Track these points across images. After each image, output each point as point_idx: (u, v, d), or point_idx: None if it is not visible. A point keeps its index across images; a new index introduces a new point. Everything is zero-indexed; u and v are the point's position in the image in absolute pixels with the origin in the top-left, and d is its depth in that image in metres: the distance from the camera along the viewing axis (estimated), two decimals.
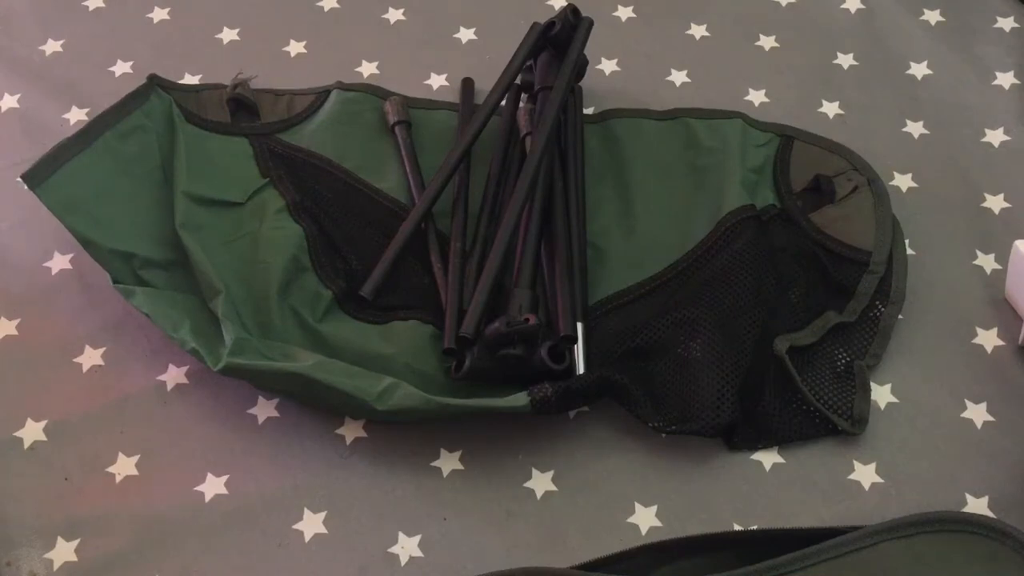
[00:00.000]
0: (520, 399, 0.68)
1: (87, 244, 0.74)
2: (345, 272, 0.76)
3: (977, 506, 0.66)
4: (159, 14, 0.95)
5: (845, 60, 0.90)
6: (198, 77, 0.90)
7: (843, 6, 0.94)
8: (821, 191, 0.80)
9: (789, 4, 0.94)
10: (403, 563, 0.66)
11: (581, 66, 0.85)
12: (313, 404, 0.72)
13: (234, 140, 0.83)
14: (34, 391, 0.73)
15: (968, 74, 0.89)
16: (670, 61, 0.90)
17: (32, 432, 0.71)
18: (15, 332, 0.76)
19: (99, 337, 0.75)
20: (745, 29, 0.93)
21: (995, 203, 0.81)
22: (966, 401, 0.71)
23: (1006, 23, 0.92)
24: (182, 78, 0.89)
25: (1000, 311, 0.75)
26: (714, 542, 0.63)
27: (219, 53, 0.92)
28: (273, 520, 0.67)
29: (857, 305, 0.74)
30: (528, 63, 0.84)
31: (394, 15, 0.95)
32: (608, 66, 0.90)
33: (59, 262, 0.79)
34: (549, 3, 0.95)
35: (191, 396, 0.73)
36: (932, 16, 0.93)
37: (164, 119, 0.83)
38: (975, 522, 0.60)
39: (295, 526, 0.67)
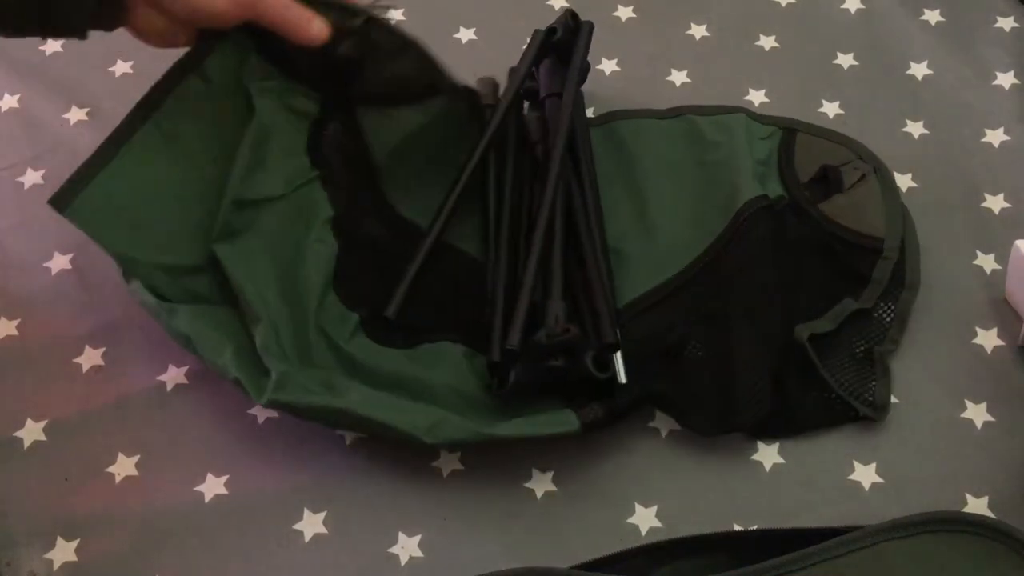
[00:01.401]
0: (570, 423, 0.67)
1: (127, 263, 0.69)
2: (370, 296, 0.74)
3: (977, 506, 0.66)
4: None
5: (845, 60, 0.90)
6: None
7: (843, 6, 0.94)
8: (828, 181, 0.80)
9: (789, 4, 0.94)
10: (403, 563, 0.66)
11: (584, 71, 0.84)
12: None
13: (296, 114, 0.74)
14: (34, 391, 0.73)
15: (968, 74, 0.89)
16: (670, 61, 0.90)
17: (32, 432, 0.71)
18: (15, 332, 0.76)
19: (99, 337, 0.75)
20: (745, 29, 0.93)
21: (995, 203, 0.81)
22: (966, 401, 0.71)
23: (1006, 23, 0.92)
24: None
25: (1000, 311, 0.75)
26: (714, 542, 0.63)
27: None
28: (273, 520, 0.67)
29: (873, 292, 0.74)
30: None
31: (394, 15, 0.95)
32: (608, 66, 0.90)
33: (59, 262, 0.79)
34: (549, 3, 0.95)
35: (191, 396, 0.73)
36: (932, 16, 0.93)
37: (229, 78, 0.72)
38: (975, 522, 0.60)
39: (295, 526, 0.67)
